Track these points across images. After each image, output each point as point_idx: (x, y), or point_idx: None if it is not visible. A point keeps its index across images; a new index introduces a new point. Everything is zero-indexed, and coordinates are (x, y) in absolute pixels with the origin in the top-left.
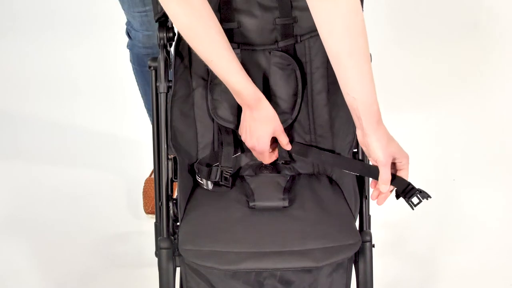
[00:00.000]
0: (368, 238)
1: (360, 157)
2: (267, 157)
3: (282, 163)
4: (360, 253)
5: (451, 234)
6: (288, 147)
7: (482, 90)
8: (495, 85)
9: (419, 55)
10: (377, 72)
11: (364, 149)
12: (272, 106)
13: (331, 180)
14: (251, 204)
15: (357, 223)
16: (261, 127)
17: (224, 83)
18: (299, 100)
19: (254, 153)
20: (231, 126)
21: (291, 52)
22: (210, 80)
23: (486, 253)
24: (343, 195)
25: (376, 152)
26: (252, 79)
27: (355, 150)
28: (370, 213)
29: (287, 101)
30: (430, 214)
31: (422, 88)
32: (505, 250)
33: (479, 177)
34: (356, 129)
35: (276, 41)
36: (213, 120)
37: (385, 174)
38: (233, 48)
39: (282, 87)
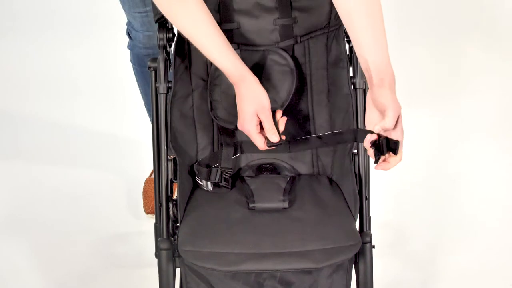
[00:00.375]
0: (368, 239)
1: (361, 158)
2: (258, 140)
3: (283, 162)
4: (360, 254)
5: (451, 234)
6: (269, 133)
7: (483, 90)
8: (496, 85)
9: (420, 55)
10: None
11: (369, 110)
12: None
13: (331, 181)
14: (251, 205)
15: (357, 224)
16: (245, 104)
17: (208, 59)
18: (290, 95)
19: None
20: (231, 126)
21: (290, 53)
22: (210, 81)
23: (486, 253)
24: (343, 196)
25: (386, 101)
26: None
27: (355, 151)
28: (370, 214)
29: (280, 92)
30: (430, 214)
31: (422, 88)
32: (505, 250)
33: (479, 177)
34: (368, 90)
35: (276, 42)
36: (212, 120)
37: (391, 119)
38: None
39: (277, 80)
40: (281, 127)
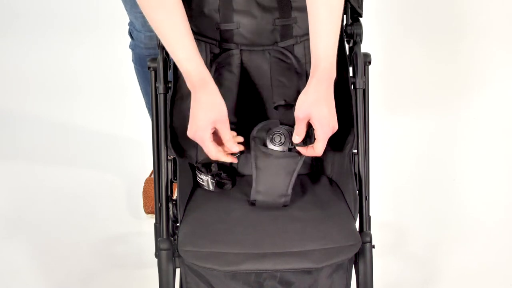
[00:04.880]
0: (368, 239)
1: (360, 158)
2: (211, 148)
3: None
4: (360, 254)
5: (451, 234)
6: (229, 144)
7: (484, 91)
8: (497, 85)
9: (422, 55)
10: (380, 71)
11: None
12: (278, 95)
13: (331, 181)
14: (252, 198)
15: (357, 224)
16: (202, 112)
17: (174, 59)
18: (299, 92)
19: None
20: (232, 126)
21: (290, 53)
22: None
23: (486, 253)
24: (343, 195)
25: (297, 103)
26: (252, 79)
27: (355, 151)
28: (370, 214)
29: (290, 89)
30: (430, 214)
31: (423, 88)
32: (505, 250)
33: (479, 177)
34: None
35: (276, 42)
36: None
37: (298, 128)
38: (233, 48)
39: (285, 76)
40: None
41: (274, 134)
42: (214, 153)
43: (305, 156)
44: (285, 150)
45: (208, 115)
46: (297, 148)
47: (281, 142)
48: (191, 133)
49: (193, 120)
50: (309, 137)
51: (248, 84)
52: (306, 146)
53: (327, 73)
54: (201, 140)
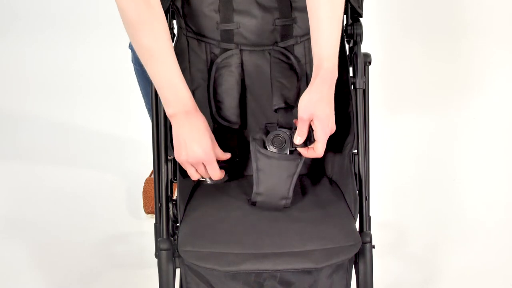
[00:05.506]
0: (368, 239)
1: (360, 158)
2: (217, 169)
3: None
4: (360, 254)
5: (451, 234)
6: (225, 156)
7: (484, 90)
8: (496, 85)
9: (422, 55)
10: (380, 71)
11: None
12: (279, 97)
13: (331, 181)
14: (253, 199)
15: (357, 224)
16: (203, 135)
17: (160, 85)
18: (303, 89)
19: (199, 170)
20: (235, 126)
21: (290, 53)
22: (211, 82)
23: (486, 253)
24: (343, 196)
25: (299, 104)
26: (252, 79)
27: (355, 151)
28: (370, 214)
29: (291, 90)
30: (430, 214)
31: (423, 88)
32: (505, 250)
33: (479, 177)
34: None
35: (276, 42)
36: (212, 120)
37: (300, 129)
38: (232, 49)
39: (286, 77)
40: None
41: (275, 137)
42: (219, 173)
43: (305, 158)
44: (286, 153)
45: (207, 136)
46: (298, 149)
47: (282, 145)
48: (197, 155)
49: (197, 142)
50: (308, 139)
51: (248, 84)
52: (306, 147)
53: (330, 73)
54: (211, 160)
